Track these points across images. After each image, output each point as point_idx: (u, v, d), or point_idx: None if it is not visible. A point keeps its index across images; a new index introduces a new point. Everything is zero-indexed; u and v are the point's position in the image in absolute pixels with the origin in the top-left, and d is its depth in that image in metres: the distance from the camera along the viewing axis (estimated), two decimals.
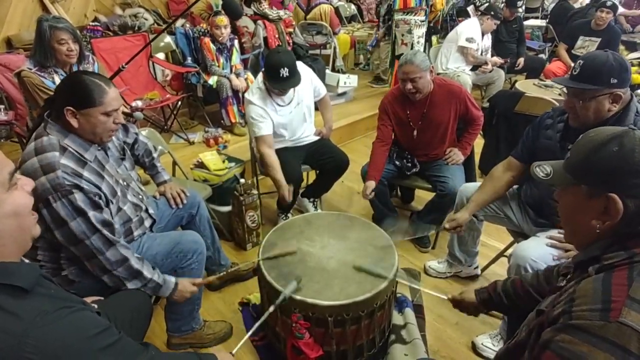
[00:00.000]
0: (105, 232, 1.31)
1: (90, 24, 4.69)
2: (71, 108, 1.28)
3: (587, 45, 4.04)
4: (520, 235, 1.84)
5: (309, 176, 2.80)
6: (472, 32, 3.88)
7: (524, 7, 5.79)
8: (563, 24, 4.97)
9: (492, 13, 3.87)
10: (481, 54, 4.01)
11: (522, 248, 1.54)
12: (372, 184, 2.15)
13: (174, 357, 1.07)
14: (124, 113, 1.48)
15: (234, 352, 1.20)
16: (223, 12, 3.48)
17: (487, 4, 4.08)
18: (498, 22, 3.97)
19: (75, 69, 2.25)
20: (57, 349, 0.70)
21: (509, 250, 1.83)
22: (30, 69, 2.14)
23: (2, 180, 0.73)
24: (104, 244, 1.31)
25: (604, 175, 0.80)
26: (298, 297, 1.43)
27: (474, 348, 1.77)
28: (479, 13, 4.03)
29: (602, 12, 3.88)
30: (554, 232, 1.56)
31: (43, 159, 1.25)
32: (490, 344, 1.73)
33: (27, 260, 0.84)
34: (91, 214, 1.28)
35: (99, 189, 1.33)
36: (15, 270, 0.74)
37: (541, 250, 1.49)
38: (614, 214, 0.78)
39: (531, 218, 1.77)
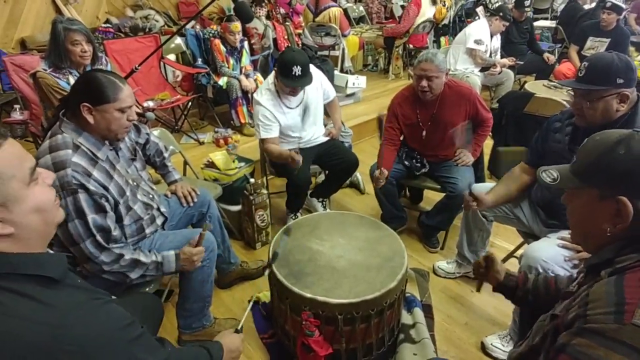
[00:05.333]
0: (98, 237, 1.33)
1: (102, 25, 4.76)
2: (87, 104, 1.31)
3: (596, 46, 4.01)
4: (530, 236, 1.83)
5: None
6: (480, 33, 3.87)
7: (532, 8, 5.75)
8: (573, 24, 4.93)
9: (501, 14, 3.85)
10: (490, 56, 4.00)
11: (533, 249, 1.54)
12: (384, 171, 2.13)
13: (186, 352, 1.09)
14: (136, 113, 1.50)
15: (239, 327, 1.22)
16: (236, 17, 3.51)
17: (497, 5, 4.06)
18: (507, 23, 3.94)
19: (88, 69, 2.29)
20: (92, 340, 0.71)
21: (519, 251, 1.83)
22: (45, 70, 2.17)
23: (23, 176, 0.73)
24: (97, 248, 1.34)
25: (613, 179, 0.79)
26: (308, 295, 1.44)
27: (483, 348, 1.76)
28: (488, 14, 4.01)
29: (604, 13, 3.86)
30: (565, 233, 1.55)
31: (56, 156, 1.28)
32: (499, 345, 1.73)
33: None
34: (90, 217, 1.30)
35: (106, 189, 1.36)
36: (45, 261, 0.75)
37: (552, 251, 1.49)
38: (625, 217, 0.78)
39: (542, 219, 1.76)
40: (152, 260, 1.44)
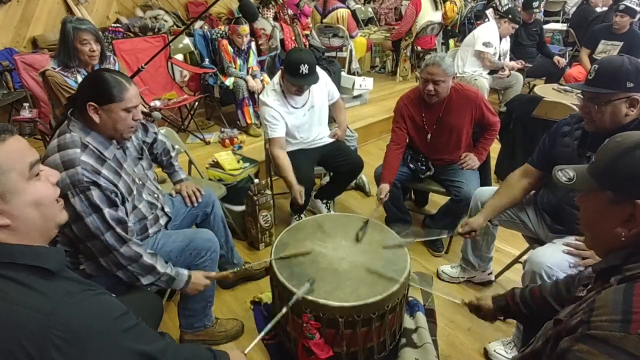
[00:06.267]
0: (118, 229, 1.34)
1: (112, 25, 4.81)
2: (93, 104, 1.32)
3: (608, 49, 3.96)
4: (535, 241, 1.81)
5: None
6: (489, 36, 3.83)
7: (541, 10, 5.68)
8: (584, 27, 4.88)
9: (510, 16, 3.80)
10: (499, 58, 3.96)
11: (538, 254, 1.52)
12: (386, 187, 2.14)
13: (189, 349, 1.09)
14: (142, 113, 1.51)
15: (246, 352, 1.21)
16: (244, 19, 3.52)
17: (507, 7, 4.02)
18: (516, 26, 3.90)
19: (96, 68, 2.31)
20: (83, 328, 0.73)
21: (524, 257, 1.81)
22: (54, 69, 2.20)
23: (22, 170, 0.76)
24: (117, 241, 1.34)
25: (630, 182, 0.78)
26: (309, 298, 1.43)
27: (486, 355, 1.74)
28: (498, 16, 3.97)
29: (617, 16, 3.81)
30: (571, 239, 1.53)
31: (65, 155, 1.29)
32: (503, 351, 1.70)
33: None
34: (106, 211, 1.31)
35: (116, 186, 1.37)
36: (43, 253, 0.78)
37: (557, 257, 1.47)
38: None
39: (547, 224, 1.74)
40: (167, 272, 1.44)
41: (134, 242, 1.39)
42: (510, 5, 5.06)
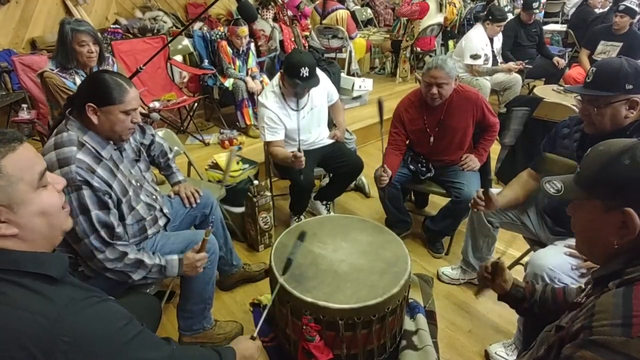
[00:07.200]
0: (102, 233, 1.33)
1: (111, 26, 4.80)
2: (92, 105, 1.32)
3: (608, 50, 3.96)
4: (536, 243, 1.80)
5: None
6: (475, 46, 3.81)
7: (541, 10, 5.67)
8: (584, 28, 4.88)
9: (490, 17, 3.78)
10: (494, 57, 3.95)
11: (539, 256, 1.51)
12: (388, 170, 2.08)
13: (194, 350, 1.08)
14: (141, 114, 1.50)
15: (255, 334, 1.21)
16: (243, 21, 3.51)
17: (505, 7, 4.00)
18: (502, 24, 3.85)
19: (95, 70, 2.30)
20: (89, 334, 0.73)
21: (525, 259, 1.80)
22: (52, 70, 2.19)
23: (31, 180, 0.76)
24: (102, 243, 1.34)
25: (618, 190, 0.77)
26: (309, 299, 1.42)
27: (487, 357, 1.73)
28: (482, 20, 3.96)
29: (617, 16, 3.81)
30: (572, 241, 1.52)
31: (60, 153, 1.29)
32: (504, 353, 1.69)
33: None
34: (94, 213, 1.30)
35: (110, 187, 1.36)
36: (46, 260, 0.77)
37: (559, 259, 1.46)
38: (632, 229, 0.76)
39: (548, 226, 1.73)
40: (156, 263, 1.44)
41: (119, 244, 1.38)
42: (508, 7, 5.06)
